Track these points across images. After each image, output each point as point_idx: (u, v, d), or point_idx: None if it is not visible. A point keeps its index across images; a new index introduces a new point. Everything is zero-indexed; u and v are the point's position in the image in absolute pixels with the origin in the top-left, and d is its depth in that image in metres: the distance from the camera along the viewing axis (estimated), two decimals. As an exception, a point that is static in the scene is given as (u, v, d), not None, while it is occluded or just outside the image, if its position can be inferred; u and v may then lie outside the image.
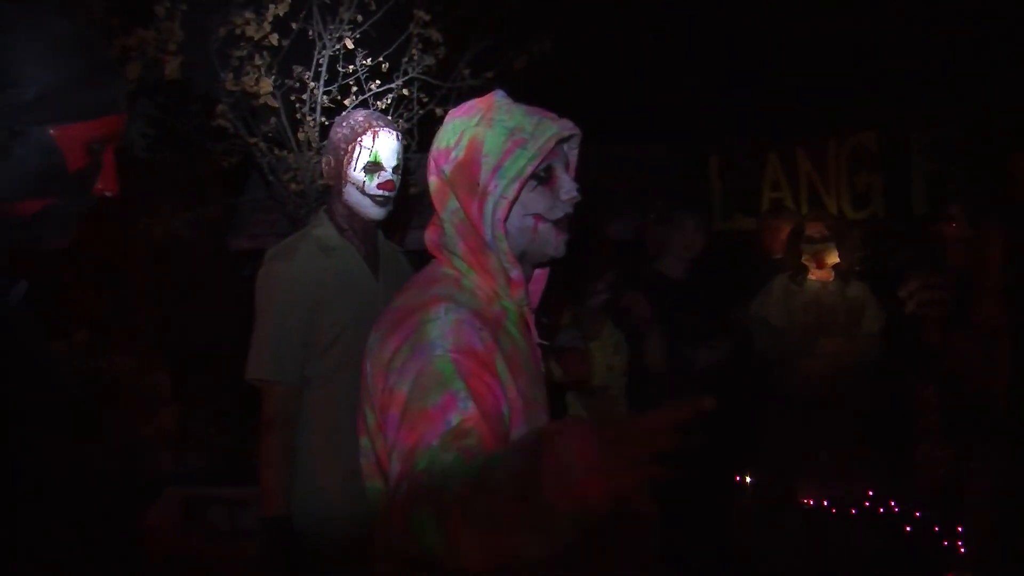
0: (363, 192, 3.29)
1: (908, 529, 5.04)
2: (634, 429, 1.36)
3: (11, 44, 1.53)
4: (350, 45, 6.17)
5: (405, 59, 6.35)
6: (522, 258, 2.10)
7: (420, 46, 6.36)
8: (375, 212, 3.34)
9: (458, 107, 2.15)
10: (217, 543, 5.61)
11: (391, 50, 6.34)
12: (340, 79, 6.27)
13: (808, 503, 5.30)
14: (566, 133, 2.05)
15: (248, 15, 5.85)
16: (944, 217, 5.34)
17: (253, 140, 6.20)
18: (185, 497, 5.75)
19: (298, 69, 6.17)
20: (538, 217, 2.07)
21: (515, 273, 2.04)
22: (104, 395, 5.91)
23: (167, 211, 6.58)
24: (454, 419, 1.76)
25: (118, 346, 6.25)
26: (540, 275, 2.25)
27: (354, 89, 6.31)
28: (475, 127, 2.04)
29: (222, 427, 6.39)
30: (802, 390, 5.44)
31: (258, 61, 5.94)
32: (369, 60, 6.25)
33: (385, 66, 6.34)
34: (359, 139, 3.28)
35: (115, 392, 6.02)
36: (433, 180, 2.11)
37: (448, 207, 2.08)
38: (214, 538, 5.63)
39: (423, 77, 6.40)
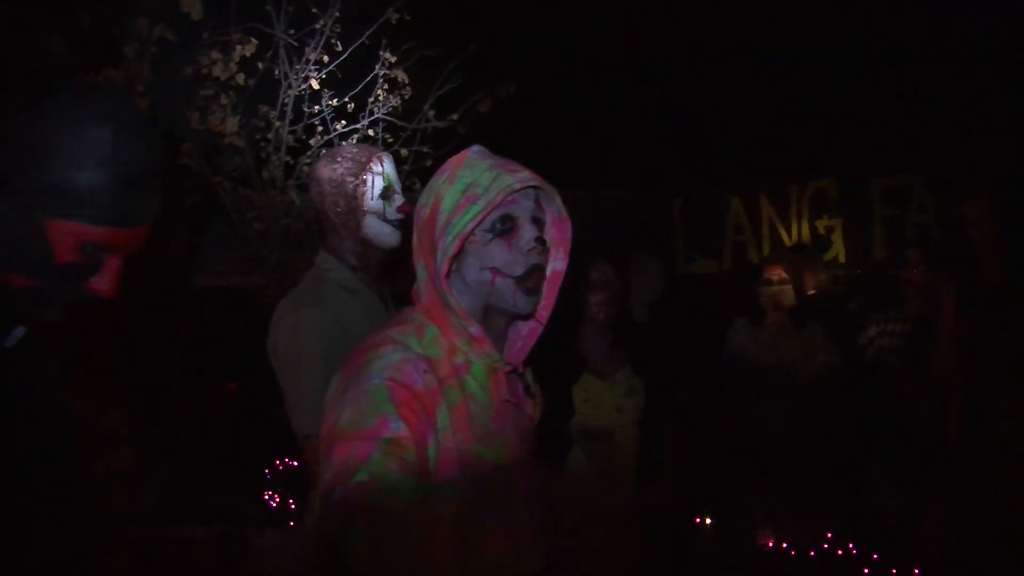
0: (384, 219, 3.21)
1: (865, 571, 5.04)
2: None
3: (51, 130, 1.54)
4: (316, 85, 6.21)
5: (371, 100, 6.38)
6: (488, 312, 2.09)
7: (386, 87, 6.40)
8: (395, 238, 3.25)
9: (442, 165, 2.15)
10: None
11: (357, 91, 6.38)
12: (305, 119, 6.30)
13: (767, 545, 5.31)
14: (518, 186, 2.03)
15: (215, 55, 5.88)
16: (901, 262, 5.40)
17: (217, 179, 6.21)
18: (138, 538, 5.70)
19: (264, 108, 6.19)
20: (494, 271, 2.05)
21: (473, 329, 2.03)
22: (59, 432, 5.86)
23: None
24: (387, 436, 1.82)
25: (75, 383, 6.20)
26: (529, 332, 2.22)
27: (319, 129, 6.34)
28: (441, 185, 2.06)
29: (177, 466, 6.34)
30: (760, 431, 5.47)
31: (224, 100, 5.97)
32: (335, 100, 6.29)
33: (351, 107, 6.38)
34: (369, 168, 3.20)
35: (70, 429, 5.97)
36: (414, 238, 2.13)
37: (420, 264, 2.10)
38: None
39: (388, 118, 6.44)
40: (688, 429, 5.12)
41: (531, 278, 2.07)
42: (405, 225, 3.19)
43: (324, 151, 3.46)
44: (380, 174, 3.21)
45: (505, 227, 2.04)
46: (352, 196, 3.20)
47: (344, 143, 3.33)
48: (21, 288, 1.62)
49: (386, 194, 3.21)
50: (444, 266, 2.01)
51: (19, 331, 1.66)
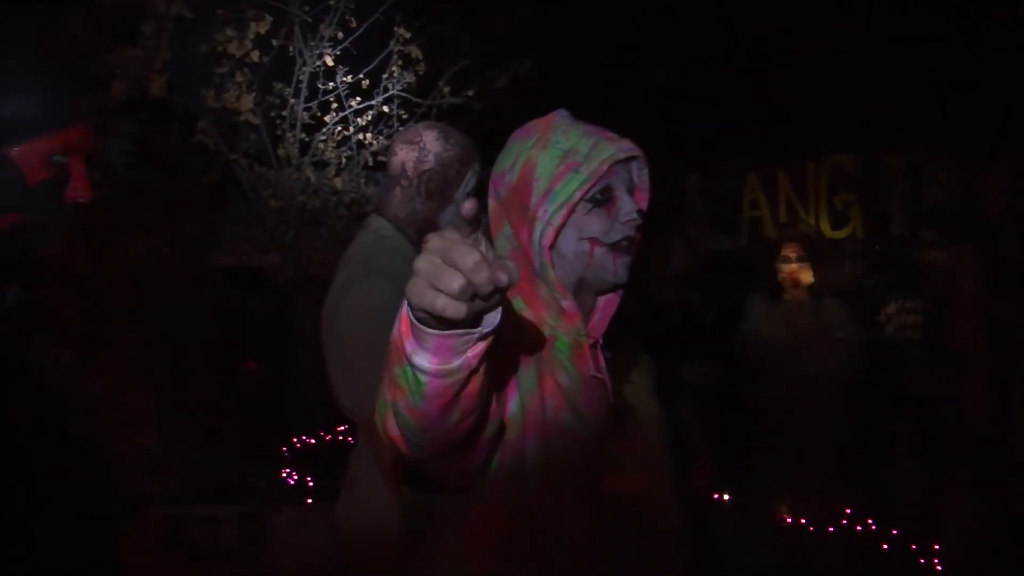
0: (458, 215, 3.17)
1: (885, 547, 5.05)
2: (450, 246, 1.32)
3: None
4: (330, 62, 6.20)
5: (385, 76, 6.37)
6: (580, 286, 1.99)
7: (400, 63, 6.38)
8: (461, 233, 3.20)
9: (521, 127, 2.03)
10: (199, 564, 5.59)
11: (371, 67, 6.36)
12: (320, 96, 6.29)
13: (786, 521, 5.32)
14: (622, 155, 1.93)
15: (230, 32, 5.87)
16: (919, 239, 5.38)
17: (233, 157, 6.21)
18: (166, 517, 5.73)
19: (278, 86, 6.18)
20: (594, 241, 1.94)
21: (567, 303, 1.93)
22: (84, 414, 5.89)
23: (149, 227, 6.59)
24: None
25: (99, 364, 6.22)
26: (607, 303, 2.08)
27: (334, 106, 6.33)
28: (530, 149, 1.95)
29: (203, 446, 6.37)
30: (779, 408, 5.46)
31: (239, 78, 5.96)
32: (349, 77, 6.28)
33: (365, 83, 6.36)
34: (472, 164, 3.14)
35: (95, 411, 6.00)
36: (491, 203, 2.02)
37: (502, 232, 2.00)
38: (196, 559, 5.61)
39: (403, 94, 6.42)
40: (700, 407, 5.13)
41: (627, 246, 1.98)
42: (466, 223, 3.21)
43: (423, 124, 3.37)
44: (477, 173, 3.16)
45: (604, 197, 1.93)
46: (451, 181, 3.13)
47: (446, 129, 3.22)
48: (12, 226, 1.63)
49: (472, 193, 3.16)
50: (549, 236, 1.90)
51: (16, 291, 1.67)
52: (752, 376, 5.64)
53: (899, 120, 7.25)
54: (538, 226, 1.91)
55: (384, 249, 3.15)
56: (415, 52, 6.39)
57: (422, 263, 1.31)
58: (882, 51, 7.66)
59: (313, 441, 6.18)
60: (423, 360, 1.42)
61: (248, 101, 5.98)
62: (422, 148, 3.16)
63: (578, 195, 1.88)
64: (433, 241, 1.31)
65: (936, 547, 4.86)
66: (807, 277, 5.55)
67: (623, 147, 1.94)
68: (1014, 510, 4.52)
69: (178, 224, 6.80)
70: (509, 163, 1.98)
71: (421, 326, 1.39)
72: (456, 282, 1.28)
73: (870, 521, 5.16)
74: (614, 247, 1.95)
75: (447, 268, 1.29)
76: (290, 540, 5.53)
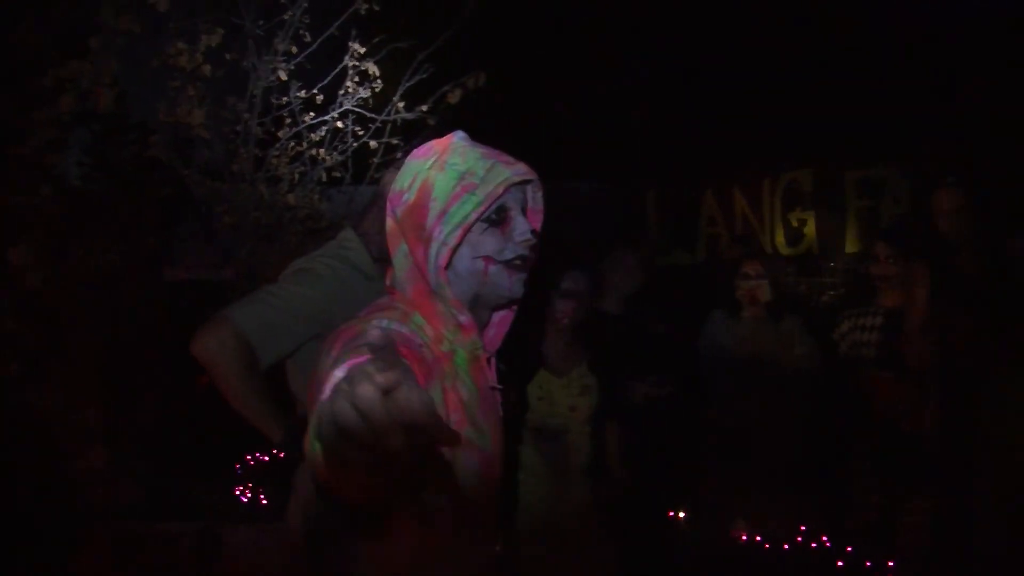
0: None
1: (840, 564, 5.06)
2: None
3: None
4: (284, 77, 6.16)
5: (340, 91, 6.34)
6: (476, 302, 2.06)
7: (356, 79, 6.36)
8: None
9: (419, 147, 2.12)
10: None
11: (326, 82, 6.34)
12: (274, 111, 6.26)
13: (742, 538, 5.31)
14: (517, 178, 2.01)
15: (181, 46, 5.82)
16: (872, 255, 5.40)
17: (187, 172, 6.16)
18: (117, 534, 5.66)
19: (232, 100, 6.14)
20: (488, 259, 2.01)
21: (464, 318, 2.00)
22: (34, 429, 5.82)
23: (102, 241, 6.53)
24: None
25: (49, 379, 6.16)
26: (502, 318, 2.20)
27: (288, 121, 6.30)
28: (428, 170, 2.01)
29: (155, 462, 6.30)
30: (736, 425, 5.47)
31: (191, 92, 5.91)
32: (303, 92, 6.25)
33: (319, 98, 6.34)
34: None
35: (45, 426, 5.93)
36: (388, 222, 2.09)
37: (400, 250, 2.05)
38: (148, 576, 5.55)
39: (358, 109, 6.39)
40: (644, 424, 5.14)
41: (522, 263, 2.05)
42: None
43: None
44: None
45: (499, 217, 2.00)
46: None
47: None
48: None
49: None
50: (444, 256, 1.97)
51: None
52: (710, 392, 5.65)
53: (854, 137, 7.30)
54: (434, 246, 1.98)
55: (335, 254, 3.24)
56: (370, 67, 6.37)
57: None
58: (836, 69, 7.73)
59: (267, 458, 6.12)
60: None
61: (200, 115, 5.92)
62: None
63: (473, 216, 1.96)
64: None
65: (890, 564, 4.86)
66: (765, 294, 5.56)
67: (518, 170, 2.02)
68: (967, 526, 4.53)
69: (131, 239, 6.73)
70: (407, 183, 2.05)
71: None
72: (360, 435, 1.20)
73: (825, 538, 5.16)
74: (508, 264, 2.02)
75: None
76: (243, 558, 5.48)
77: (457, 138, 2.08)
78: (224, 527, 5.65)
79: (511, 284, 2.05)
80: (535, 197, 2.13)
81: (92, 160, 6.96)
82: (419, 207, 1.99)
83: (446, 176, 1.98)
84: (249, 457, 6.20)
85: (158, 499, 6.09)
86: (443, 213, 1.96)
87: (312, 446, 1.48)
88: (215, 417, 3.23)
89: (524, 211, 2.09)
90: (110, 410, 6.38)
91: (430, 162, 2.02)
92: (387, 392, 1.20)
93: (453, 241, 1.96)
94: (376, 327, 1.86)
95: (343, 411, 1.20)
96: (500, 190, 1.97)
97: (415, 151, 2.11)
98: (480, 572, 2.01)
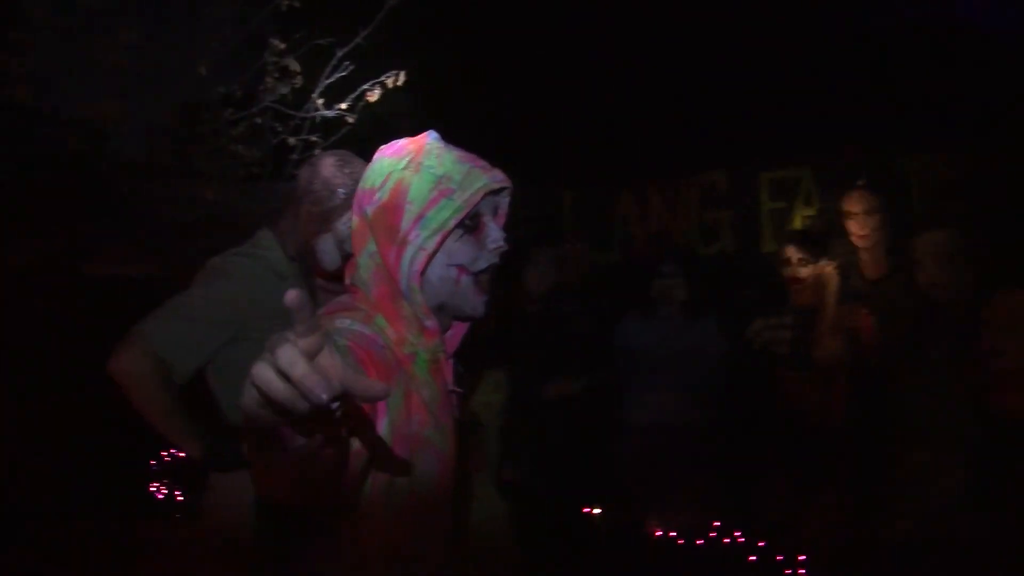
0: (340, 247, 3.16)
1: (752, 559, 5.13)
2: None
3: None
4: (203, 72, 6.12)
5: (260, 87, 6.31)
6: (440, 309, 2.03)
7: (276, 75, 6.33)
8: (336, 266, 3.18)
9: (388, 145, 2.08)
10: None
11: (245, 77, 6.30)
12: (193, 106, 6.22)
13: (656, 534, 5.37)
14: (496, 186, 2.00)
15: (101, 39, 5.76)
16: (783, 257, 5.50)
17: (106, 166, 6.10)
18: (31, 534, 5.59)
19: (150, 95, 6.09)
20: (461, 268, 2.00)
21: (429, 323, 1.97)
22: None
23: (18, 237, 6.43)
24: None
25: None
26: (461, 322, 2.15)
27: (206, 117, 6.26)
28: (402, 171, 1.98)
29: (68, 460, 6.23)
30: (651, 422, 5.53)
31: (109, 86, 5.85)
32: (223, 88, 6.21)
33: (239, 94, 6.30)
34: None
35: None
36: (355, 220, 2.05)
37: (366, 249, 2.01)
38: None
39: (277, 106, 6.36)
40: (557, 421, 5.20)
41: (486, 276, 2.04)
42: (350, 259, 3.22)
43: (334, 150, 3.37)
44: None
45: (473, 224, 1.99)
46: (331, 209, 3.16)
47: (350, 158, 3.20)
48: None
49: None
50: (421, 261, 1.94)
51: None
52: (625, 390, 5.71)
53: (768, 138, 7.40)
54: (409, 250, 1.94)
55: (249, 253, 3.26)
56: (292, 64, 6.34)
57: (259, 370, 1.23)
58: (752, 69, 7.82)
59: (183, 454, 6.08)
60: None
61: (118, 109, 5.87)
62: (314, 170, 3.23)
63: (452, 222, 1.92)
64: (272, 343, 1.24)
65: (801, 557, 4.95)
66: (681, 293, 5.62)
67: (496, 177, 2.02)
68: (875, 518, 4.64)
69: (47, 233, 6.64)
70: (378, 182, 2.01)
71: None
72: (281, 394, 1.21)
73: (738, 533, 5.24)
74: (477, 278, 2.02)
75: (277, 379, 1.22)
76: (158, 555, 5.44)
77: (431, 139, 2.05)
78: (139, 523, 5.61)
79: (476, 303, 2.03)
80: (503, 203, 2.11)
81: (5, 152, 6.87)
82: (393, 208, 1.96)
83: (422, 179, 1.96)
84: (164, 453, 6.15)
85: (71, 497, 6.03)
86: (420, 217, 1.93)
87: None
88: (129, 413, 3.22)
89: (494, 216, 2.07)
90: (20, 406, 6.30)
91: (404, 162, 1.99)
92: (310, 357, 1.22)
93: (431, 247, 1.93)
94: (339, 326, 1.86)
95: (262, 373, 1.21)
96: (478, 197, 1.96)
97: (384, 149, 2.08)
98: (437, 572, 1.99)
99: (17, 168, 6.64)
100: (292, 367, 1.20)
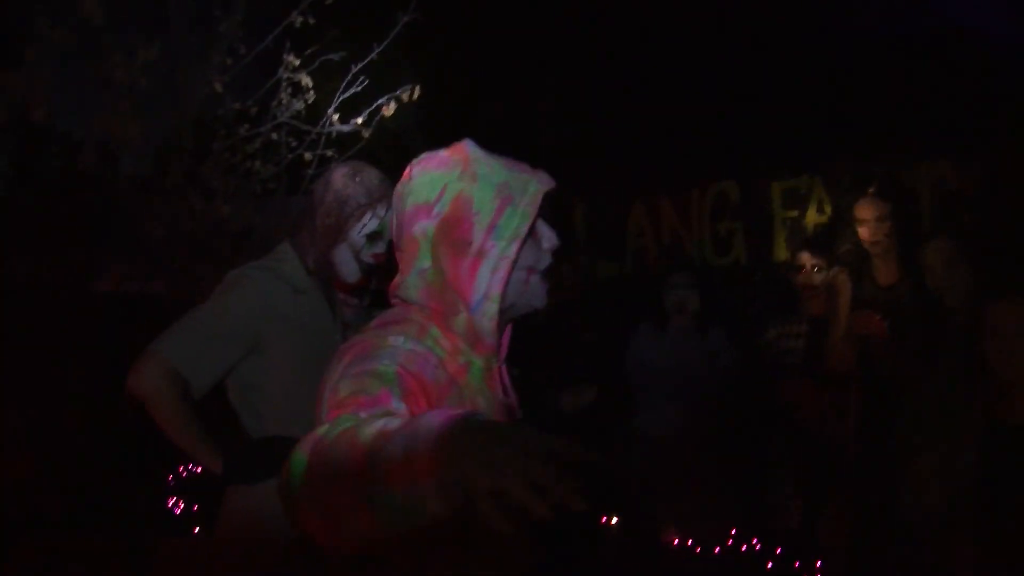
0: (357, 257, 3.18)
1: (769, 566, 5.14)
2: (526, 440, 1.31)
3: None
4: (219, 89, 6.16)
5: (274, 103, 6.34)
6: (506, 313, 2.03)
7: (290, 91, 6.36)
8: (355, 277, 3.22)
9: (425, 158, 2.05)
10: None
11: (260, 94, 6.33)
12: (208, 123, 6.25)
13: (673, 543, 5.38)
14: (546, 188, 1.99)
15: (117, 59, 5.80)
16: (796, 265, 5.51)
17: (118, 184, 6.13)
18: (43, 547, 5.60)
19: (166, 112, 6.13)
20: (531, 270, 2.01)
21: (490, 339, 1.99)
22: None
23: (28, 253, 6.46)
24: (387, 408, 1.66)
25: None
26: (506, 328, 2.15)
27: (221, 133, 6.29)
28: (458, 182, 1.95)
29: (85, 474, 6.24)
30: (665, 433, 5.54)
31: (125, 104, 5.89)
32: (237, 104, 6.24)
33: (254, 110, 6.33)
34: (375, 206, 3.16)
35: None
36: (405, 238, 2.02)
37: (416, 267, 2.00)
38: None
39: (292, 122, 6.39)
40: (570, 432, 5.18)
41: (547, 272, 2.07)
42: (371, 270, 3.23)
43: (344, 163, 3.40)
44: (380, 218, 3.18)
45: (531, 228, 1.98)
46: (345, 219, 3.17)
47: (362, 167, 3.22)
48: None
49: (372, 237, 3.19)
50: (505, 269, 1.94)
51: None
52: (638, 402, 5.72)
53: (779, 148, 7.40)
54: (488, 261, 1.93)
55: (267, 266, 3.26)
56: (305, 80, 6.38)
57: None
58: (762, 80, 7.83)
59: (200, 469, 6.09)
60: (440, 506, 1.37)
61: (134, 128, 5.90)
62: (327, 183, 3.25)
63: (524, 229, 1.94)
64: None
65: (818, 564, 4.96)
66: (694, 304, 5.64)
67: (543, 179, 2.01)
68: (891, 528, 4.64)
69: (59, 250, 6.68)
70: (434, 195, 1.98)
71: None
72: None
73: (755, 540, 5.24)
74: (542, 275, 2.05)
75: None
76: (175, 569, 5.45)
77: (472, 147, 2.03)
78: (155, 539, 5.62)
79: (543, 295, 2.07)
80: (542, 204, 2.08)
81: (18, 172, 6.91)
82: (457, 221, 1.93)
83: (481, 188, 1.94)
84: (182, 468, 6.17)
85: (86, 511, 6.04)
86: (492, 227, 1.92)
87: (292, 487, 1.48)
88: (147, 428, 3.23)
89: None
90: (38, 420, 6.33)
91: (456, 173, 1.97)
92: None
93: (512, 254, 1.93)
94: (392, 344, 1.87)
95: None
96: (538, 200, 1.97)
97: (423, 162, 2.05)
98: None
99: (32, 186, 6.68)
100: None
